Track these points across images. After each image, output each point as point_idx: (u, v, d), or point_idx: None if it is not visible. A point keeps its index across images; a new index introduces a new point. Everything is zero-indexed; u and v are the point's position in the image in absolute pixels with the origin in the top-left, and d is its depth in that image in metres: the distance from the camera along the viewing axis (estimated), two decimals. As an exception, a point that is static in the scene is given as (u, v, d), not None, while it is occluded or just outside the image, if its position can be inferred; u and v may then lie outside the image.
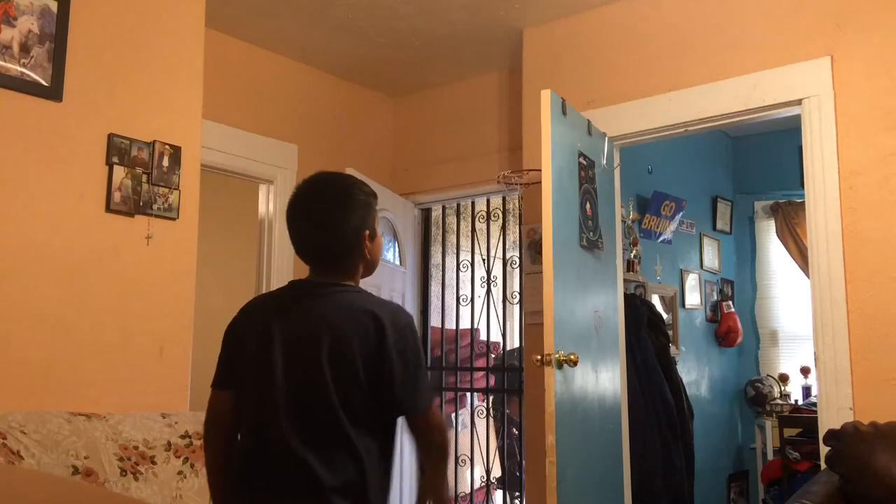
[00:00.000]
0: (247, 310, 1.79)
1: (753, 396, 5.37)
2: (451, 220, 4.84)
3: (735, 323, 5.33)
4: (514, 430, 4.65)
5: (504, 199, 4.55)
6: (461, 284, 4.73)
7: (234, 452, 1.70)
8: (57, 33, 2.56)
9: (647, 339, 3.94)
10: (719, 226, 5.52)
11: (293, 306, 1.69)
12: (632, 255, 4.31)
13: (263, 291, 4.04)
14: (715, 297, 5.39)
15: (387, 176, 4.70)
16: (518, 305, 4.35)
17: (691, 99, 3.28)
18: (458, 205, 4.78)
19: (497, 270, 4.58)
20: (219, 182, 4.07)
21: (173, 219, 2.86)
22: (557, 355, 2.74)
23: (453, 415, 4.87)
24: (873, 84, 2.86)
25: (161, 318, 2.81)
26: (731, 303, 5.47)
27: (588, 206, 3.17)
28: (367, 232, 1.72)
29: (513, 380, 4.51)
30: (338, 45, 4.09)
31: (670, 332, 4.52)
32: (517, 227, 4.65)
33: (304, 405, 1.61)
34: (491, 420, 4.65)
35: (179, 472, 2.47)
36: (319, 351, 1.61)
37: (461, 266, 4.68)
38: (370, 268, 1.77)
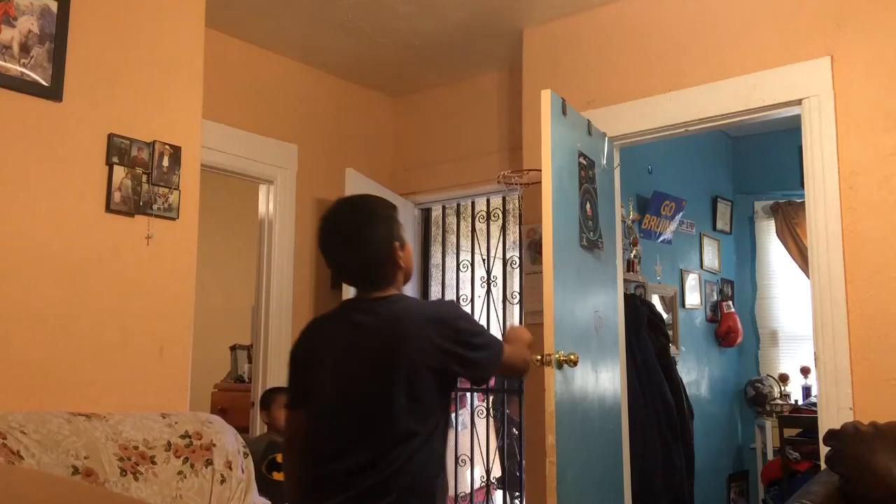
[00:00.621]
0: (306, 333, 1.90)
1: (753, 396, 5.36)
2: (451, 220, 4.84)
3: (735, 323, 5.33)
4: (514, 430, 4.65)
5: (504, 199, 4.55)
6: (461, 284, 4.73)
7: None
8: (57, 33, 2.56)
9: (647, 339, 3.94)
10: (719, 226, 5.52)
11: (349, 324, 1.80)
12: (632, 255, 4.31)
13: (263, 291, 4.05)
14: (715, 297, 5.39)
15: (387, 176, 4.70)
16: (518, 305, 4.35)
17: (691, 99, 3.28)
18: (458, 205, 4.78)
19: (497, 270, 4.58)
20: (219, 182, 4.08)
21: (173, 219, 2.86)
22: (557, 355, 2.74)
23: (453, 415, 4.87)
24: (873, 84, 2.86)
25: (161, 318, 2.81)
26: (731, 303, 5.47)
27: (588, 206, 3.17)
28: (396, 243, 1.82)
29: (513, 380, 4.51)
30: (338, 45, 4.09)
31: (670, 332, 4.52)
32: (517, 227, 4.65)
33: (365, 415, 1.72)
34: (491, 420, 4.65)
35: (179, 472, 2.47)
36: (378, 361, 1.72)
37: (461, 266, 4.68)
38: (408, 275, 1.89)
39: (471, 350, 1.77)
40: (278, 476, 3.40)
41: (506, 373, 1.91)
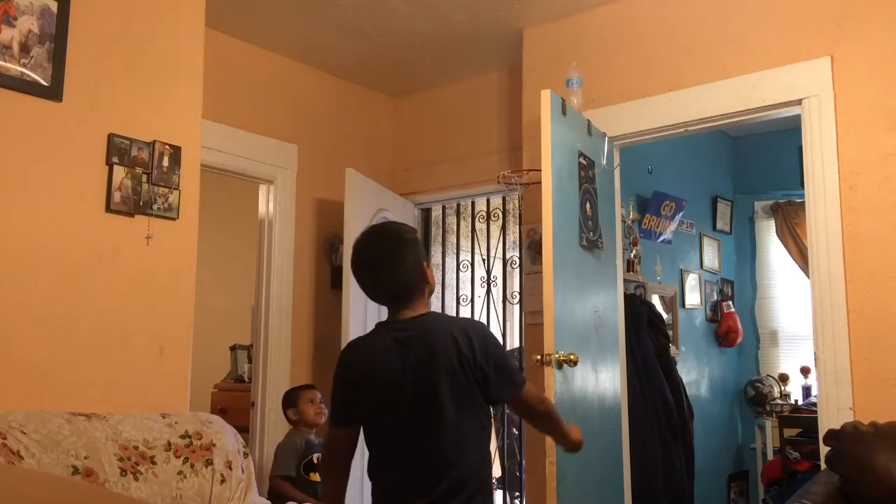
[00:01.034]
0: (347, 356, 2.06)
1: (753, 396, 5.36)
2: (451, 220, 4.84)
3: (735, 323, 5.33)
4: (514, 430, 4.65)
5: (504, 199, 4.55)
6: (461, 284, 4.73)
7: (348, 476, 2.05)
8: (57, 33, 2.56)
9: (647, 339, 3.94)
10: (719, 226, 5.52)
11: (392, 344, 1.95)
12: (632, 255, 4.31)
13: (263, 291, 4.05)
14: (715, 297, 5.39)
15: (387, 176, 4.70)
16: (518, 305, 4.35)
17: (691, 99, 3.28)
18: (458, 205, 4.78)
19: (497, 270, 4.58)
20: (219, 182, 4.07)
21: (173, 219, 2.86)
22: (557, 355, 2.74)
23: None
24: (873, 84, 2.86)
25: (161, 318, 2.81)
26: (731, 303, 5.47)
27: (588, 206, 3.17)
28: (424, 262, 2.02)
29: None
30: (338, 45, 4.09)
31: (670, 332, 4.52)
32: (517, 227, 4.65)
33: (421, 424, 1.89)
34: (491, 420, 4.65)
35: (179, 472, 2.47)
36: (422, 374, 1.88)
37: (461, 266, 4.68)
38: (432, 289, 2.08)
39: (495, 364, 1.91)
40: (314, 477, 3.46)
41: (525, 406, 2.05)
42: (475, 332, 1.94)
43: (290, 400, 3.71)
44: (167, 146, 2.86)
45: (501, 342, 4.54)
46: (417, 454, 1.89)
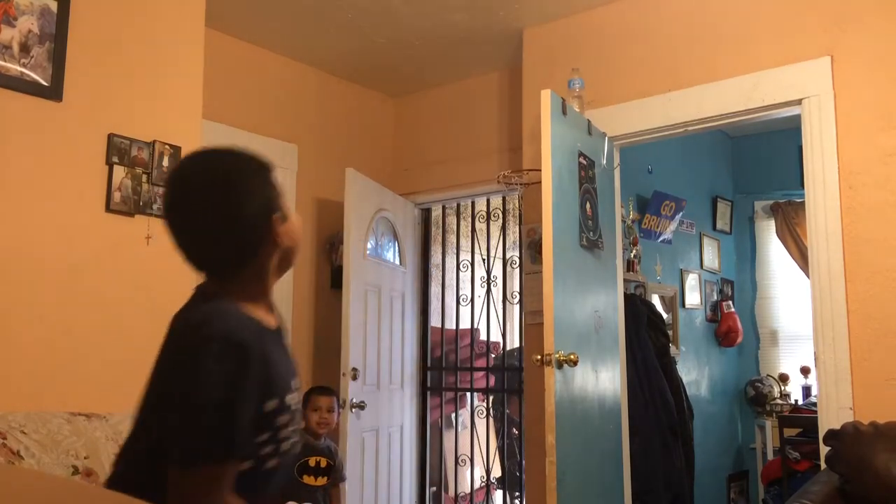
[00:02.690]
0: None
1: (753, 396, 5.37)
2: (451, 220, 4.84)
3: (735, 323, 5.33)
4: (514, 430, 4.65)
5: (504, 199, 4.55)
6: (461, 284, 4.73)
7: None
8: (57, 33, 2.56)
9: (647, 338, 3.94)
10: (719, 226, 5.52)
11: None
12: (632, 255, 4.31)
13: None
14: (715, 297, 5.39)
15: (387, 176, 4.70)
16: (518, 305, 4.35)
17: (691, 99, 3.28)
18: (458, 205, 4.78)
19: (497, 270, 4.58)
20: (219, 182, 4.07)
21: (173, 219, 2.86)
22: (557, 355, 2.74)
23: (453, 415, 4.87)
24: (873, 84, 2.86)
25: (161, 317, 2.80)
26: (731, 303, 5.47)
27: (588, 206, 3.17)
28: (272, 215, 1.50)
29: (513, 380, 4.51)
30: (338, 45, 4.09)
31: (670, 332, 4.52)
32: (517, 227, 4.65)
33: None
34: (491, 420, 4.65)
35: (179, 472, 2.47)
36: None
37: (461, 266, 4.68)
38: (284, 259, 1.54)
39: None
40: (308, 479, 3.34)
41: None
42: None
43: (304, 401, 3.66)
44: (167, 146, 2.86)
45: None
46: None
